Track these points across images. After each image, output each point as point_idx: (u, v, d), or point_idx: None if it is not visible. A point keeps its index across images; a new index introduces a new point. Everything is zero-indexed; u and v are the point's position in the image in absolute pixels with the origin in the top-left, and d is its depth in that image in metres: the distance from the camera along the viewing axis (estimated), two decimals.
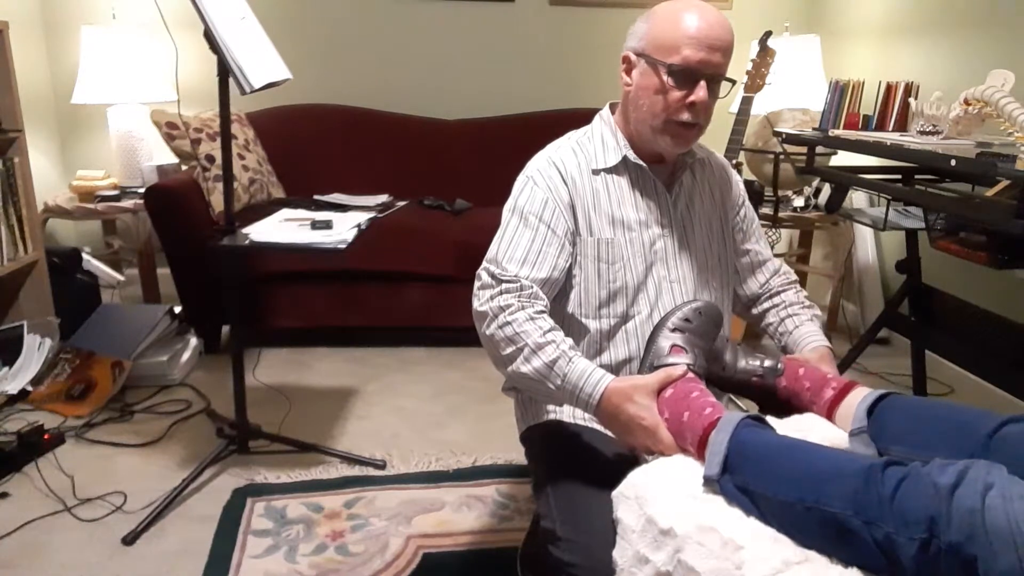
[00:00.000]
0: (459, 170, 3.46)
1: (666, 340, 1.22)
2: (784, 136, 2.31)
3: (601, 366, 1.20)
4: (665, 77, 1.24)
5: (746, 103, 2.55)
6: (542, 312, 1.22)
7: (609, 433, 1.21)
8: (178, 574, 1.70)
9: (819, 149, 2.24)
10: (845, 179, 2.09)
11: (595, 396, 1.15)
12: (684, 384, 1.13)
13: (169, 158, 3.03)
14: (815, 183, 2.58)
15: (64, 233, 3.46)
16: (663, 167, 1.37)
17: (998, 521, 0.78)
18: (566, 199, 1.30)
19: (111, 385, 2.48)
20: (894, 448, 1.05)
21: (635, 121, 1.32)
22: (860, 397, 1.14)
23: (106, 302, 3.01)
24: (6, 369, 2.50)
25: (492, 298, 1.23)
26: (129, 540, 1.79)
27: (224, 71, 1.83)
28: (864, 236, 3.28)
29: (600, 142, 1.36)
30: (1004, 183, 1.52)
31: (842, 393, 1.17)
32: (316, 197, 2.90)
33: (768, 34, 2.54)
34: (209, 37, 1.79)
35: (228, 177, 1.98)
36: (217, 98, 1.90)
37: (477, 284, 1.28)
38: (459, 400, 2.60)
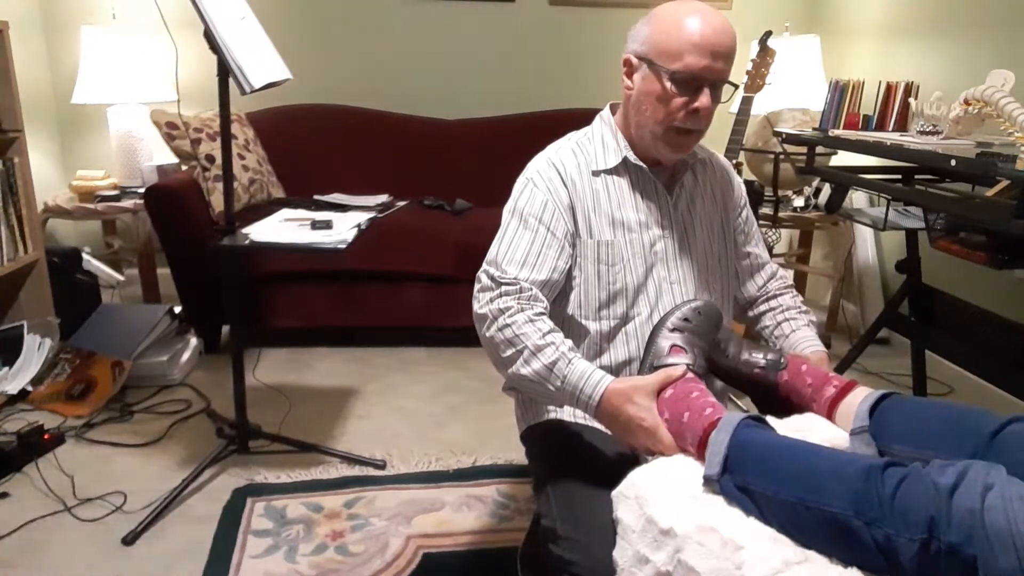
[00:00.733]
0: (459, 170, 3.46)
1: (665, 340, 1.22)
2: (784, 136, 2.31)
3: (601, 367, 1.20)
4: (668, 84, 1.23)
5: (746, 103, 2.55)
6: (541, 314, 1.22)
7: (609, 433, 1.21)
8: (178, 574, 1.70)
9: (819, 149, 2.24)
10: (845, 179, 2.09)
11: (595, 398, 1.15)
12: (684, 384, 1.13)
13: (169, 158, 3.03)
14: (815, 183, 2.58)
15: (64, 233, 3.46)
16: (664, 168, 1.37)
17: (998, 522, 0.78)
18: (566, 201, 1.30)
19: (111, 385, 2.48)
20: (896, 447, 1.05)
21: (636, 125, 1.31)
22: (862, 396, 1.14)
23: (106, 302, 3.01)
24: (6, 369, 2.50)
25: (492, 300, 1.23)
26: (129, 540, 1.79)
27: (224, 71, 1.83)
28: (864, 236, 3.28)
29: (600, 143, 1.36)
30: (1004, 183, 1.52)
31: (843, 392, 1.17)
32: (316, 197, 2.90)
33: (768, 34, 2.54)
34: (209, 37, 1.79)
35: (228, 177, 1.98)
36: (217, 98, 1.90)
37: (477, 287, 1.28)
38: (459, 400, 2.60)
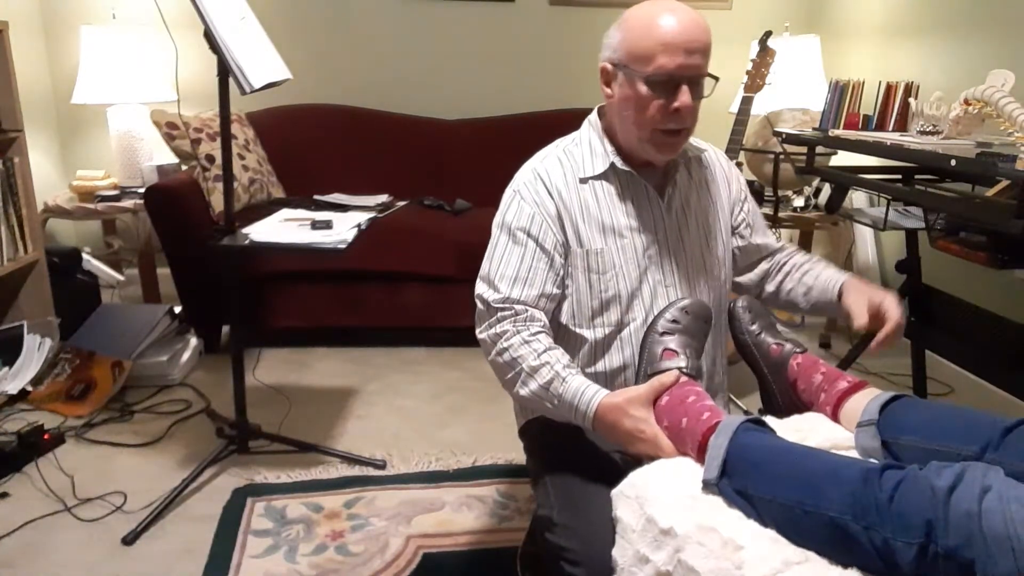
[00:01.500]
0: (459, 170, 3.46)
1: (658, 345, 1.21)
2: (784, 136, 2.31)
3: (597, 374, 1.20)
4: (644, 88, 1.22)
5: (746, 103, 2.55)
6: (537, 333, 1.23)
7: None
8: (178, 574, 1.70)
9: (819, 149, 2.24)
10: (845, 179, 2.09)
11: (589, 415, 1.15)
12: (679, 389, 1.13)
13: (169, 158, 3.03)
14: (815, 183, 2.58)
15: (64, 233, 3.46)
16: (655, 169, 1.35)
17: (995, 525, 0.78)
18: (553, 212, 1.30)
19: (111, 385, 2.48)
20: (904, 438, 1.05)
21: (621, 131, 1.31)
22: (872, 395, 1.14)
23: (106, 302, 3.01)
24: (6, 369, 2.50)
25: (489, 327, 1.26)
26: (129, 540, 1.79)
27: (224, 71, 1.83)
28: (864, 236, 3.28)
29: (588, 148, 1.35)
30: (1004, 183, 1.52)
31: (856, 388, 1.17)
32: (316, 197, 2.90)
33: (768, 34, 2.54)
34: (209, 37, 1.79)
35: (228, 177, 1.98)
36: (217, 98, 1.90)
37: (476, 311, 1.30)
38: (459, 400, 2.60)
